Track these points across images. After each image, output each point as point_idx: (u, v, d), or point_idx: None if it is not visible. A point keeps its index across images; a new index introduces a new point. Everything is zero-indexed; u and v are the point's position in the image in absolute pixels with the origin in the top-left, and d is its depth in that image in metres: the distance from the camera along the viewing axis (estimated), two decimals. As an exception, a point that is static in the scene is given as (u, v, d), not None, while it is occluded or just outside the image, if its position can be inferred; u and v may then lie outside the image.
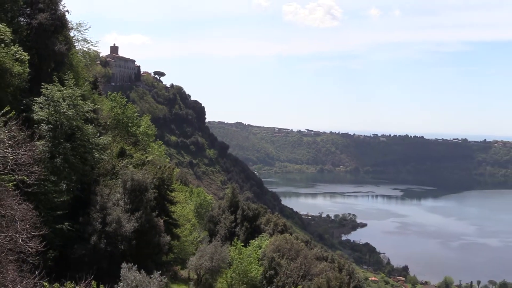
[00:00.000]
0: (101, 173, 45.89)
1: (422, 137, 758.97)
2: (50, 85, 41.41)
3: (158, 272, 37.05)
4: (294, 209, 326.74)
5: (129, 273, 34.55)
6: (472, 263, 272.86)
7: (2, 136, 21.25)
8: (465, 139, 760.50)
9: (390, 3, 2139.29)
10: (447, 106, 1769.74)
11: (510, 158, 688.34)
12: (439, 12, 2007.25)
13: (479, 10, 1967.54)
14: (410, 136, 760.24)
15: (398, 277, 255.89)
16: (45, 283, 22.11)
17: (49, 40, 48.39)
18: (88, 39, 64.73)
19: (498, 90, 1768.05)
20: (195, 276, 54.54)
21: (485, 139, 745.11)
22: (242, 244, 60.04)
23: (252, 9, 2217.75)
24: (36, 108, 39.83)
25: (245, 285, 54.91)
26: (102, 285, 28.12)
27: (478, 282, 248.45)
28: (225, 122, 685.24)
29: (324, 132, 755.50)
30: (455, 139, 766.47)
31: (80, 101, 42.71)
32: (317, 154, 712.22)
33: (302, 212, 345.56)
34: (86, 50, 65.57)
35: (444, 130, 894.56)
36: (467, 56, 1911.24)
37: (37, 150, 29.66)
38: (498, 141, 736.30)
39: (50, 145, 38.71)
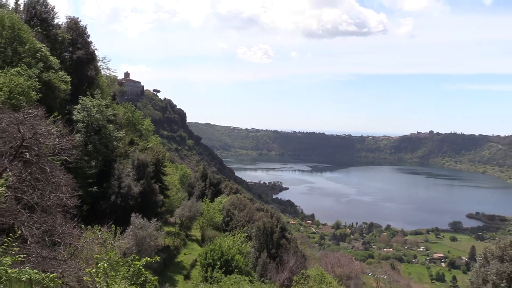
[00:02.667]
0: (117, 155, 45.37)
1: (324, 133, 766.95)
2: (84, 98, 41.05)
3: (155, 219, 36.98)
4: (243, 178, 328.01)
5: (136, 219, 34.38)
6: (353, 212, 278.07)
7: (52, 130, 20.95)
8: (350, 134, 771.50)
9: (305, 48, 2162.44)
10: (339, 113, 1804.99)
11: (376, 147, 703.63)
12: (336, 54, 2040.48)
13: (361, 54, 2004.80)
14: (316, 132, 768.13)
15: (308, 221, 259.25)
16: (82, 226, 21.96)
17: (84, 68, 47.76)
18: (109, 67, 64.01)
19: (370, 103, 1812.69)
20: (179, 221, 54.35)
21: (361, 135, 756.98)
22: (209, 200, 60.15)
23: (217, 50, 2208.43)
24: (75, 112, 39.50)
25: (211, 227, 55.00)
26: (119, 228, 27.81)
27: (356, 223, 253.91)
28: (199, 122, 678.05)
29: (262, 130, 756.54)
30: (344, 134, 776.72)
31: (104, 108, 42.36)
32: (258, 143, 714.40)
33: (248, 180, 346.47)
34: (108, 75, 64.72)
35: (337, 128, 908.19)
36: (353, 83, 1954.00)
37: (75, 140, 29.28)
38: (370, 136, 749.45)
39: (84, 137, 38.43)
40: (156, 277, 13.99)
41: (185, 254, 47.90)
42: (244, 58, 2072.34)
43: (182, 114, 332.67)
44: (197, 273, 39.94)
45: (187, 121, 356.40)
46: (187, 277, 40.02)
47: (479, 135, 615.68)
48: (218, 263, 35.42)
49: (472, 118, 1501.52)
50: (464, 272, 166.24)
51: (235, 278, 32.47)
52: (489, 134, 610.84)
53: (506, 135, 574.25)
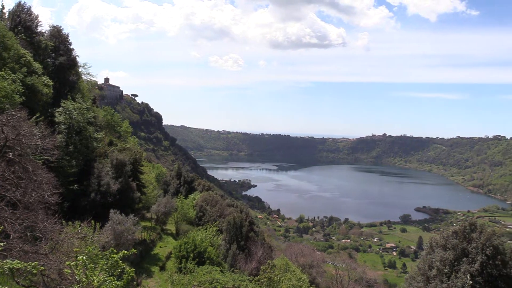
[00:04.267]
0: (97, 155, 44.45)
1: (288, 135, 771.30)
2: (66, 101, 40.14)
3: (133, 215, 36.45)
4: (215, 177, 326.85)
5: (115, 215, 33.81)
6: (315, 207, 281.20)
7: (35, 131, 20.49)
8: (312, 136, 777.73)
9: (271, 58, 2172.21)
10: (302, 116, 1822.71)
11: (336, 148, 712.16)
12: (299, 64, 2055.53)
13: (322, 64, 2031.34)
14: (281, 135, 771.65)
15: (274, 215, 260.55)
16: (63, 221, 21.48)
17: (66, 73, 46.55)
18: (90, 73, 62.71)
19: (330, 108, 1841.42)
20: (155, 217, 53.67)
21: (323, 137, 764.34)
22: (184, 197, 59.53)
23: (190, 58, 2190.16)
24: (57, 115, 38.49)
25: (185, 222, 54.48)
26: (98, 223, 27.29)
27: (318, 217, 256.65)
28: (174, 125, 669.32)
29: (233, 132, 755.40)
30: (307, 136, 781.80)
31: (85, 111, 41.49)
32: (228, 144, 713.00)
33: (219, 178, 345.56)
34: (89, 80, 63.34)
35: (300, 131, 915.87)
36: (311, 89, 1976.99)
37: (57, 141, 28.67)
38: (330, 138, 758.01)
39: (65, 138, 37.48)
40: (132, 269, 13.83)
41: (160, 247, 47.35)
42: (216, 66, 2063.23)
43: (158, 117, 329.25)
44: (172, 264, 39.59)
45: (163, 124, 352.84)
46: (162, 268, 39.60)
47: (426, 137, 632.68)
48: (192, 255, 35.20)
49: (420, 122, 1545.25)
50: (412, 259, 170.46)
51: (207, 268, 32.36)
52: (435, 136, 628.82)
53: (449, 138, 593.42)
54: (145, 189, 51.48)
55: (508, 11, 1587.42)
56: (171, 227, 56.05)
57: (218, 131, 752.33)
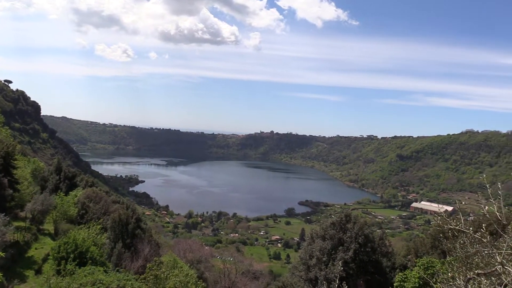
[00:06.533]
0: (-40, 148, 39.39)
1: (179, 130, 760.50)
2: None
3: (3, 214, 33.31)
4: (100, 172, 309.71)
5: (-20, 215, 30.50)
6: (204, 202, 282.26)
7: None
8: (203, 132, 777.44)
9: (162, 50, 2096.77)
10: (193, 111, 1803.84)
11: (226, 144, 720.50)
12: (190, 59, 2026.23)
13: (213, 60, 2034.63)
14: (172, 129, 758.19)
15: (162, 212, 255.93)
16: None
17: None
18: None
19: (220, 104, 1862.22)
20: (30, 215, 49.32)
21: (213, 133, 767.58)
22: (64, 194, 55.65)
23: (74, 45, 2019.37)
24: None
25: (65, 221, 50.98)
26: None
27: (207, 212, 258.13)
28: (55, 115, 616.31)
29: (120, 125, 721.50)
30: (197, 132, 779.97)
31: None
32: (115, 138, 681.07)
33: (105, 173, 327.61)
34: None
35: (191, 126, 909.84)
36: (202, 84, 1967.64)
37: None
38: (220, 134, 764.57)
39: None
40: (0, 274, 12.59)
41: (36, 248, 43.66)
42: (103, 55, 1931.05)
43: (36, 107, 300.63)
44: (49, 267, 36.90)
45: (42, 114, 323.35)
46: (38, 272, 36.60)
47: (309, 135, 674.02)
48: (72, 255, 33.29)
49: (304, 121, 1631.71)
50: (295, 250, 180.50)
51: (90, 269, 30.89)
52: (317, 135, 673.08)
53: (330, 136, 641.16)
54: (19, 186, 47.23)
55: (383, 24, 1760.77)
56: (49, 226, 52.03)
57: (104, 124, 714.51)
